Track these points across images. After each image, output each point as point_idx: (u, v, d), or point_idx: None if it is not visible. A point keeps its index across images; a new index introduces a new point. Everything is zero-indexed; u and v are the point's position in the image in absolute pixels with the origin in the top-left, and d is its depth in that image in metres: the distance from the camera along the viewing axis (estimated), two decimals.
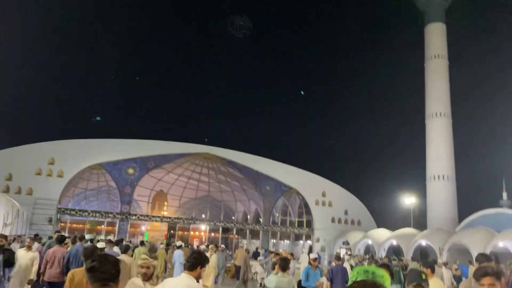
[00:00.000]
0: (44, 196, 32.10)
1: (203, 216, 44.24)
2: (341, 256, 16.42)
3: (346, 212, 45.01)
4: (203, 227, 43.62)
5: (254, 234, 43.26)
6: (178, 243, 15.26)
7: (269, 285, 6.34)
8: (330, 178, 45.75)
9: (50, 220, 31.91)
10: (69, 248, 9.90)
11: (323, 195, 44.33)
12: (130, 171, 37.45)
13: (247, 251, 17.76)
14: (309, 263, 8.26)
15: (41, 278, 9.13)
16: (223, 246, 20.38)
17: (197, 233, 43.94)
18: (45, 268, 9.02)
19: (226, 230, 43.17)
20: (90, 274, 2.17)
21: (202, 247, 21.90)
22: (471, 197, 47.49)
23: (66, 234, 32.22)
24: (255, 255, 29.73)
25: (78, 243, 10.41)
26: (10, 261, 8.43)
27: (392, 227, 41.07)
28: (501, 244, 28.21)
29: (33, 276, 9.33)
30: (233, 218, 48.55)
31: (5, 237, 8.86)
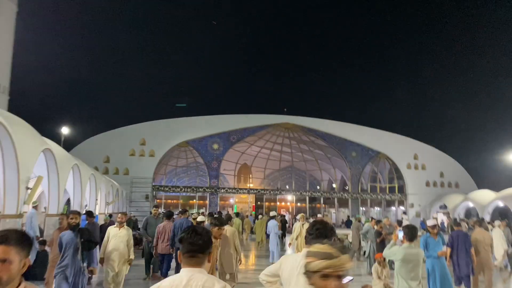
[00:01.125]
0: (139, 175, 34.14)
1: (287, 187, 44.16)
2: (439, 221, 15.07)
3: (441, 175, 41.97)
4: (290, 197, 43.56)
5: (342, 203, 42.20)
6: (272, 213, 15.07)
7: (393, 257, 5.49)
8: (421, 139, 42.81)
9: (146, 197, 33.94)
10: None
11: (415, 158, 41.68)
12: (215, 146, 38.32)
13: (358, 219, 16.44)
14: (427, 230, 7.24)
15: (154, 251, 10.20)
16: (320, 215, 18.48)
17: (283, 203, 44.04)
18: (157, 241, 10.00)
19: (312, 200, 42.67)
20: (181, 245, 2.30)
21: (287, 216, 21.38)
22: None
23: (162, 210, 34.17)
24: (348, 223, 28.88)
25: (182, 216, 10.99)
26: (91, 243, 6.62)
27: (495, 187, 37.47)
28: None
29: (132, 255, 8.31)
30: (317, 187, 47.83)
31: (79, 213, 6.68)
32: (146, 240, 10.94)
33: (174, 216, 11.80)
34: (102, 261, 8.02)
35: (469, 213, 37.43)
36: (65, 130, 27.20)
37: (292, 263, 2.98)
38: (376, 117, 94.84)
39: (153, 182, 35.58)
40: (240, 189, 40.51)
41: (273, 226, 13.35)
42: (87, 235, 6.53)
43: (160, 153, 35.82)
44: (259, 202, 41.24)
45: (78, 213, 6.64)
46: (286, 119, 40.10)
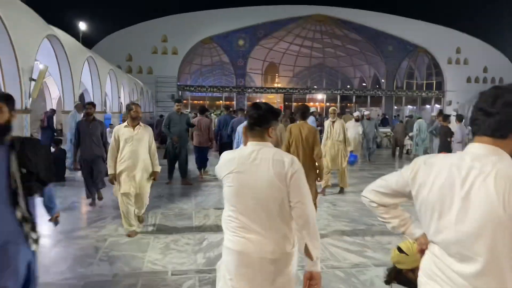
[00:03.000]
0: (164, 74, 32.73)
1: (315, 87, 42.09)
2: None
3: (485, 70, 38.75)
4: (320, 96, 41.80)
5: (374, 101, 40.21)
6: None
7: None
8: (466, 31, 38.85)
9: (172, 97, 32.91)
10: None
11: (458, 51, 38.24)
12: (241, 42, 35.88)
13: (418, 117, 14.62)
14: None
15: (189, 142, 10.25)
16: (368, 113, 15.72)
17: (312, 103, 42.43)
18: (192, 135, 10.26)
19: (344, 98, 40.81)
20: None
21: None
22: None
23: (189, 110, 33.28)
24: (384, 122, 27.28)
25: (225, 113, 11.76)
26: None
27: None
28: None
29: (157, 166, 5.64)
30: (347, 86, 45.48)
31: (94, 105, 7.32)
32: (171, 141, 9.05)
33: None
34: (114, 179, 5.44)
35: None
36: (82, 26, 25.27)
37: (449, 170, 1.50)
38: (416, 5, 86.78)
39: (178, 82, 34.26)
40: (268, 88, 38.88)
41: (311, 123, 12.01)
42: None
43: (183, 51, 33.89)
44: (287, 103, 39.76)
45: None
46: (318, 10, 36.58)
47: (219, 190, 7.82)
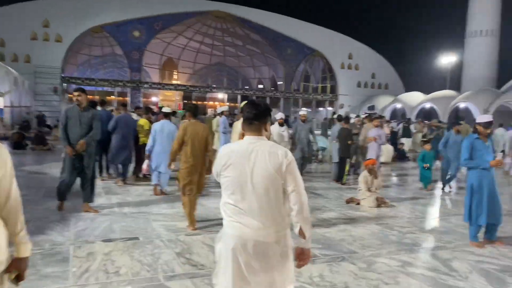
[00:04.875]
0: (45, 63, 28.66)
1: (214, 86, 41.10)
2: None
3: (373, 76, 41.50)
4: (221, 95, 40.83)
5: (272, 103, 40.55)
6: (221, 108, 12.06)
7: None
8: (357, 38, 41.14)
9: (55, 90, 29.06)
10: None
11: (350, 57, 40.29)
12: (136, 33, 33.18)
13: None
14: (476, 131, 4.93)
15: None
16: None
17: (214, 102, 41.30)
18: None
19: (244, 99, 40.39)
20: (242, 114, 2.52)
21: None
22: (510, 54, 42.42)
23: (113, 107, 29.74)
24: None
25: (122, 111, 9.01)
26: None
27: (423, 90, 38.00)
28: None
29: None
30: (246, 87, 45.34)
31: (83, 90, 5.96)
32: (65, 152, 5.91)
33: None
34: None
35: (394, 114, 38.08)
36: None
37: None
38: (313, 9, 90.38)
39: (62, 73, 30.38)
40: (167, 84, 36.69)
41: (222, 122, 10.77)
42: None
43: (68, 39, 30.12)
44: (186, 101, 38.03)
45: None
46: (217, 6, 35.42)
47: (109, 212, 6.16)
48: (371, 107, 39.17)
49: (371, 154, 8.96)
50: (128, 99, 33.31)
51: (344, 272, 4.06)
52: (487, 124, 4.97)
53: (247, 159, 2.32)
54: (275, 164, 2.27)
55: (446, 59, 38.01)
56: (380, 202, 7.18)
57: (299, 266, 2.37)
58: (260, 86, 44.57)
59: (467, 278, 3.99)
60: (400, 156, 15.36)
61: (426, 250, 4.86)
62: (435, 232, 5.68)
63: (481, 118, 5.08)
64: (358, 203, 7.18)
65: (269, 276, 2.30)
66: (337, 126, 10.46)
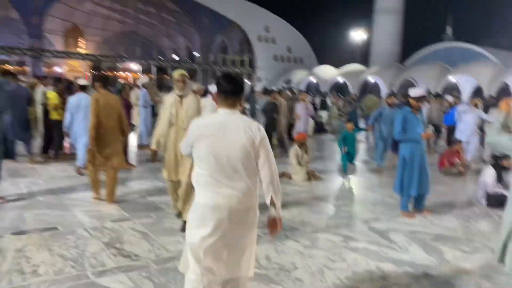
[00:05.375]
0: None
1: (126, 56, 38.79)
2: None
3: (289, 50, 42.13)
4: (134, 66, 38.63)
5: (190, 76, 39.47)
6: (141, 81, 11.03)
7: None
8: (273, 11, 41.23)
9: None
10: None
11: (267, 30, 40.36)
12: None
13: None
14: (408, 104, 5.00)
15: None
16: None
17: (127, 74, 38.99)
18: None
19: (160, 70, 38.71)
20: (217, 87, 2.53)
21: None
22: (414, 32, 45.82)
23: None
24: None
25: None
26: None
27: (335, 64, 39.53)
28: (453, 79, 27.71)
29: None
30: (160, 57, 43.44)
31: None
32: None
33: None
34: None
35: (308, 88, 39.27)
36: None
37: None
38: None
39: None
40: (73, 53, 33.59)
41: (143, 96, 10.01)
42: None
43: None
44: (95, 71, 35.36)
45: None
46: None
47: (17, 197, 5.37)
48: (288, 81, 39.91)
49: (299, 127, 8.97)
50: (28, 68, 30.03)
51: (289, 252, 3.92)
52: (419, 98, 5.09)
53: (223, 132, 2.38)
54: (249, 137, 2.37)
55: (356, 35, 39.83)
56: (311, 176, 7.22)
57: (272, 233, 2.51)
58: (175, 56, 42.95)
59: (407, 250, 4.08)
60: (319, 128, 15.79)
61: (363, 223, 4.92)
62: (367, 204, 5.80)
63: (414, 92, 5.19)
64: (290, 177, 7.15)
65: (241, 242, 2.45)
66: (263, 100, 10.31)
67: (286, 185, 6.61)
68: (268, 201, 2.44)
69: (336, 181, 7.30)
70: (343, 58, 40.95)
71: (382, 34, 41.14)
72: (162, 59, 42.06)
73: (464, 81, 27.85)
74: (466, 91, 28.11)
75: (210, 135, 2.38)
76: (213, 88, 6.63)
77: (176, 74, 4.49)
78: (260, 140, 2.39)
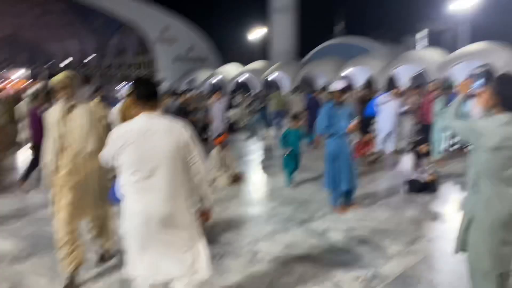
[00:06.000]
0: None
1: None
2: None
3: (191, 49, 41.36)
4: (19, 74, 34.84)
5: (83, 80, 36.72)
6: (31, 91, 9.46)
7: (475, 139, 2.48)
8: (173, 10, 40.11)
9: None
10: None
11: (166, 30, 39.12)
12: None
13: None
14: (331, 98, 4.89)
15: None
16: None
17: (9, 82, 34.97)
18: None
19: (51, 77, 35.41)
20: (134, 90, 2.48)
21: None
22: (310, 28, 47.91)
23: None
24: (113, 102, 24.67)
25: None
26: None
27: (239, 62, 39.69)
28: (348, 71, 29.42)
29: None
30: (51, 63, 39.86)
31: None
32: None
33: None
34: None
35: (213, 87, 39.07)
36: None
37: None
38: None
39: None
40: None
41: None
42: None
43: None
44: None
45: None
46: None
47: None
48: (191, 81, 39.21)
49: (217, 128, 8.58)
50: None
51: (231, 271, 3.53)
52: (342, 91, 5.02)
53: (148, 137, 2.33)
54: (176, 138, 2.37)
55: (258, 32, 40.51)
56: (235, 178, 6.88)
57: (204, 221, 2.63)
58: (67, 61, 39.69)
59: (353, 252, 3.95)
60: (230, 128, 15.57)
61: (299, 225, 4.71)
62: (297, 203, 5.62)
63: (335, 85, 5.11)
64: (213, 182, 6.74)
65: (179, 243, 2.43)
66: (171, 102, 9.70)
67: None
68: (201, 195, 2.53)
69: (261, 182, 7.07)
70: (247, 56, 41.39)
71: (280, 32, 42.39)
72: (52, 63, 38.59)
73: (358, 73, 29.75)
74: (359, 83, 30.17)
75: (135, 141, 2.30)
76: (123, 92, 6.00)
77: (54, 81, 3.28)
78: (187, 139, 2.41)
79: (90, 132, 3.23)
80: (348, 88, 5.12)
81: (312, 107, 10.64)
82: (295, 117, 6.89)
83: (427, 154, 6.17)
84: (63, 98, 3.24)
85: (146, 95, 2.38)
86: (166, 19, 39.13)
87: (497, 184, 2.22)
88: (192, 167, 2.43)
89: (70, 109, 3.24)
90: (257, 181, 7.17)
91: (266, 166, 8.32)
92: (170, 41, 39.54)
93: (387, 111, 7.95)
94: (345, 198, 5.27)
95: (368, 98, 9.18)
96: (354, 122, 4.93)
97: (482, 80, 2.52)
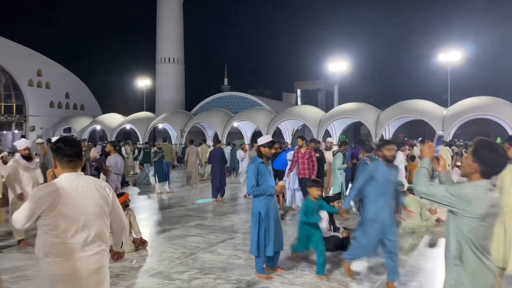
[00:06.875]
0: None
1: None
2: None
3: (67, 95, 38.49)
4: None
5: None
6: None
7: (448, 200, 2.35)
8: (47, 55, 37.22)
9: None
10: None
11: (39, 74, 35.94)
12: None
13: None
14: (260, 154, 4.54)
15: None
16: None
17: None
18: None
19: None
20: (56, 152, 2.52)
21: None
22: (197, 81, 48.94)
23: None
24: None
25: None
26: None
27: (121, 112, 38.23)
28: (236, 124, 30.22)
29: None
30: None
31: None
32: None
33: None
34: None
35: (93, 136, 36.76)
36: None
37: None
38: None
39: None
40: None
41: None
42: None
43: None
44: None
45: None
46: None
47: None
48: (68, 129, 36.21)
49: (112, 183, 7.67)
50: None
51: None
52: (271, 144, 4.81)
53: (76, 195, 2.37)
54: (102, 196, 2.48)
55: (142, 83, 39.66)
56: (139, 244, 6.10)
57: (115, 261, 2.84)
58: None
59: None
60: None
61: None
62: (216, 271, 5.11)
63: (263, 139, 4.86)
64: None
65: None
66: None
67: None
68: (118, 245, 2.72)
69: (169, 248, 6.37)
70: (129, 106, 39.95)
71: (165, 83, 42.31)
72: None
73: (245, 125, 30.71)
74: (247, 135, 31.14)
75: (65, 200, 2.32)
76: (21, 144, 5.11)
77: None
78: (112, 197, 2.54)
79: None
80: (272, 142, 4.93)
81: (217, 159, 10.49)
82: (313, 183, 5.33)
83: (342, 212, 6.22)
84: None
85: (69, 155, 2.43)
86: (39, 63, 36.08)
87: (480, 255, 2.17)
88: (116, 220, 2.60)
89: None
90: (161, 246, 6.45)
91: (172, 226, 7.67)
92: (44, 85, 36.32)
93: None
94: (270, 262, 4.94)
95: (276, 152, 9.28)
96: (282, 181, 4.76)
97: (441, 144, 2.53)
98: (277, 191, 4.79)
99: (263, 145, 4.81)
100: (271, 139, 4.91)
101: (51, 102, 36.97)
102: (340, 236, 5.92)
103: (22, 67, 34.51)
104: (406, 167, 11.02)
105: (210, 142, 28.69)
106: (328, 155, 9.89)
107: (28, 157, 6.12)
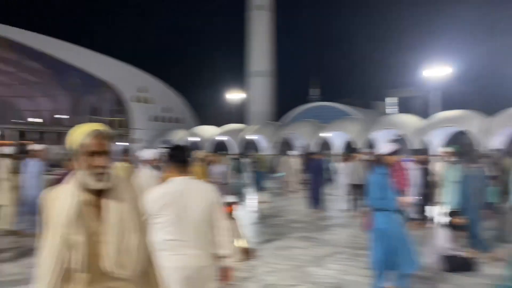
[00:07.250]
0: None
1: None
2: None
3: (167, 110, 41.27)
4: None
5: (57, 139, 35.52)
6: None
7: None
8: (149, 72, 40.41)
9: None
10: None
11: (142, 90, 39.07)
12: None
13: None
14: (381, 162, 4.32)
15: None
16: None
17: None
18: None
19: (22, 135, 33.94)
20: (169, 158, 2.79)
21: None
22: (286, 92, 49.74)
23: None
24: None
25: None
26: None
27: (215, 123, 39.87)
28: (326, 134, 29.74)
29: None
30: (20, 121, 38.44)
31: None
32: None
33: None
34: None
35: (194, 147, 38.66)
36: None
37: None
38: (104, 42, 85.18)
39: None
40: None
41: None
42: None
43: None
44: None
45: None
46: None
47: None
48: (167, 142, 38.71)
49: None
50: None
51: None
52: (395, 153, 4.48)
53: (184, 198, 2.57)
54: (207, 200, 2.62)
55: (234, 95, 41.04)
56: (246, 254, 6.15)
57: (225, 282, 2.74)
58: (38, 119, 38.48)
59: None
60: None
61: None
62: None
63: (387, 148, 4.51)
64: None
65: None
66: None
67: None
68: (224, 254, 2.64)
69: (272, 259, 6.34)
70: (222, 118, 41.48)
71: (257, 95, 43.18)
72: (22, 121, 37.18)
73: (336, 136, 30.08)
74: (337, 146, 30.45)
75: (172, 202, 2.54)
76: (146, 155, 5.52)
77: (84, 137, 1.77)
78: (216, 201, 2.66)
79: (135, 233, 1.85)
80: (397, 152, 4.58)
81: (315, 170, 10.35)
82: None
83: (462, 227, 5.70)
84: (89, 176, 1.73)
85: (180, 161, 2.66)
86: (142, 80, 39.25)
87: None
88: (220, 226, 2.63)
89: (98, 194, 1.76)
90: (272, 257, 6.45)
91: (275, 236, 7.67)
92: (146, 101, 39.37)
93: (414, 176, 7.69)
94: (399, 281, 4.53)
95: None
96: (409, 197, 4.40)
97: None
98: (402, 206, 4.43)
99: (387, 154, 4.52)
100: (396, 147, 4.58)
101: (151, 116, 39.91)
102: (462, 255, 5.39)
103: (128, 85, 37.82)
104: None
105: (295, 152, 28.64)
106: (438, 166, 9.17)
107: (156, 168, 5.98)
